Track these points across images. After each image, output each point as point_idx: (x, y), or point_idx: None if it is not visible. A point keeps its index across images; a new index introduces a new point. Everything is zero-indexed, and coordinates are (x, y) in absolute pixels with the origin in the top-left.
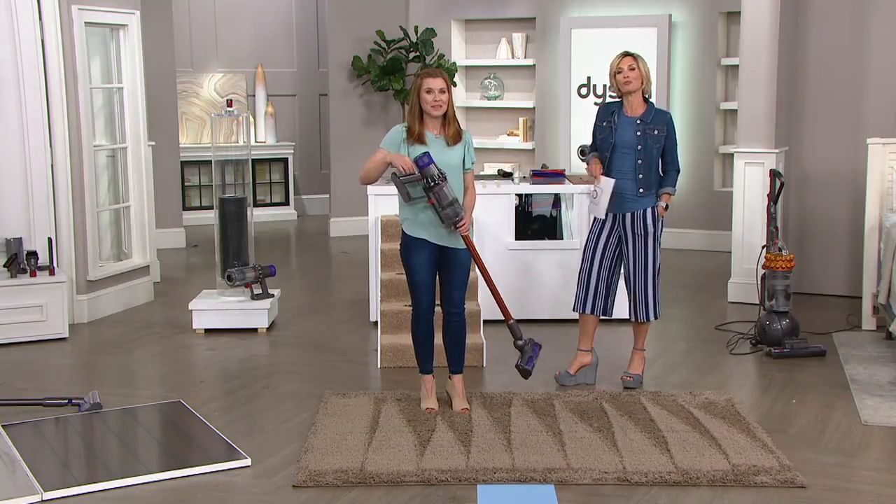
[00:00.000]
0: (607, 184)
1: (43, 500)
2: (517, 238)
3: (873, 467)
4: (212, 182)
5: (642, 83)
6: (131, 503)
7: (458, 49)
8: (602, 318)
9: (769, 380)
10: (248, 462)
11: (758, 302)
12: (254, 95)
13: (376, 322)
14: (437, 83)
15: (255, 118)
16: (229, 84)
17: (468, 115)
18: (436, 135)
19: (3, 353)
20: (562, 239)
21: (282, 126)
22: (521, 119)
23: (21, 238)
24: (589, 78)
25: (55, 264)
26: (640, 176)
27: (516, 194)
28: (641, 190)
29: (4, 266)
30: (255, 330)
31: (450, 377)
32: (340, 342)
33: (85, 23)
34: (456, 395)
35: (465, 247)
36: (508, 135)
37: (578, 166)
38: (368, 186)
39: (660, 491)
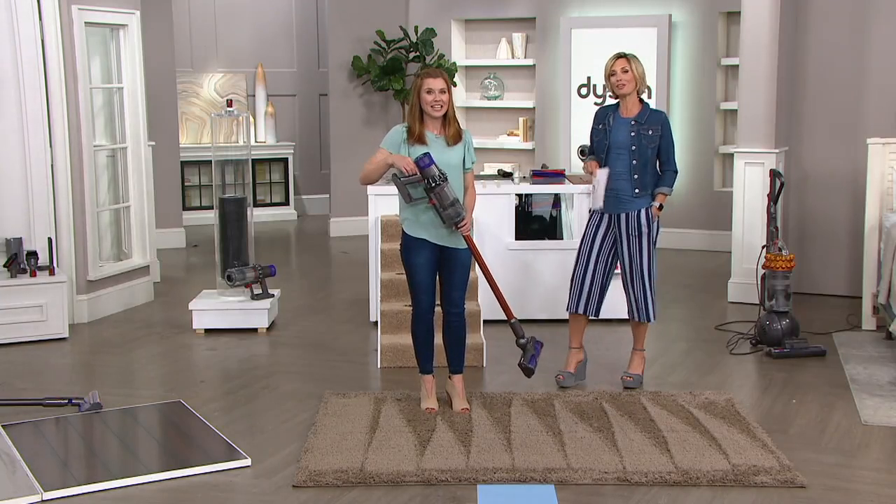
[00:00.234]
0: (602, 174)
1: (43, 500)
2: (517, 238)
3: (873, 467)
4: (212, 182)
5: (636, 85)
6: (131, 503)
7: (458, 49)
8: (591, 318)
9: (769, 380)
10: (248, 462)
11: (758, 302)
12: (254, 95)
13: (376, 322)
14: (437, 83)
15: (255, 118)
16: (229, 84)
17: (468, 115)
18: (436, 135)
19: (3, 353)
20: (562, 239)
21: (282, 126)
22: (521, 119)
23: (21, 238)
24: (589, 78)
25: (55, 264)
26: (636, 176)
27: (516, 194)
28: (637, 190)
29: (4, 266)
30: (255, 330)
31: (450, 377)
32: (340, 342)
33: (85, 23)
34: (456, 395)
35: (465, 247)
36: (508, 135)
37: (578, 166)
38: (368, 186)
39: (660, 491)
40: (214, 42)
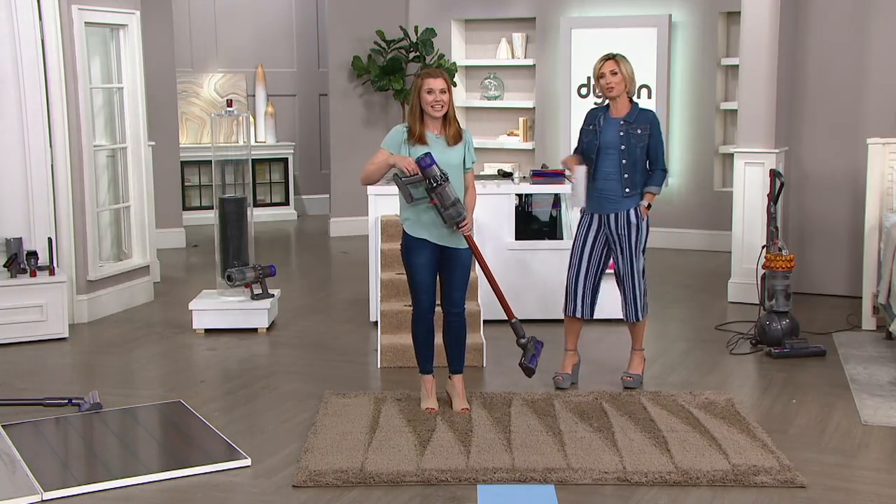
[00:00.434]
0: (580, 172)
1: (43, 500)
2: (517, 238)
3: (873, 467)
4: (212, 182)
5: (626, 86)
6: (131, 503)
7: (458, 49)
8: (586, 319)
9: (769, 380)
10: (248, 462)
11: (758, 302)
12: (254, 95)
13: (376, 322)
14: (437, 83)
15: (255, 118)
16: (229, 84)
17: (468, 115)
18: (436, 135)
19: (3, 353)
20: (562, 239)
21: (282, 126)
22: (521, 119)
23: (21, 238)
24: (589, 78)
25: (55, 264)
26: (626, 176)
27: (516, 194)
28: (627, 190)
29: (4, 266)
30: (255, 330)
31: (450, 377)
32: (340, 342)
33: (85, 23)
34: (456, 395)
35: (466, 247)
36: (508, 135)
37: None
38: (368, 186)
39: (660, 491)
40: (214, 42)
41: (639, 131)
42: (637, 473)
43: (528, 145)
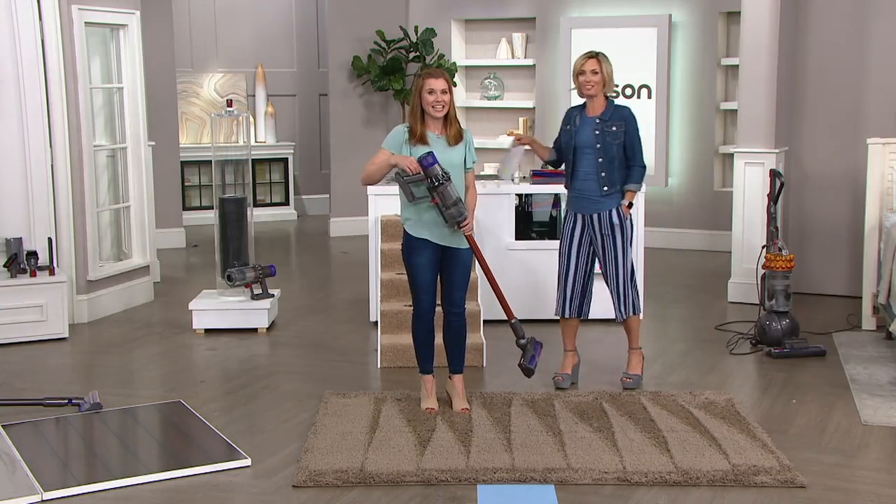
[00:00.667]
0: (516, 150)
1: (43, 500)
2: (517, 238)
3: (873, 467)
4: (212, 182)
5: (604, 86)
6: (131, 503)
7: (458, 49)
8: (581, 318)
9: (769, 380)
10: (248, 462)
11: (758, 302)
12: (254, 95)
13: (376, 322)
14: (438, 84)
15: (255, 118)
16: (229, 84)
17: (468, 115)
18: (437, 135)
19: (3, 353)
20: None
21: (282, 126)
22: (521, 119)
23: (21, 238)
24: None
25: (55, 264)
26: (603, 174)
27: (516, 194)
28: (605, 188)
29: (4, 266)
30: (255, 330)
31: (450, 377)
32: (340, 342)
33: (85, 23)
34: (456, 395)
35: (467, 247)
36: (508, 135)
37: None
38: (369, 186)
39: (660, 491)
40: (214, 42)
41: (614, 128)
42: (637, 473)
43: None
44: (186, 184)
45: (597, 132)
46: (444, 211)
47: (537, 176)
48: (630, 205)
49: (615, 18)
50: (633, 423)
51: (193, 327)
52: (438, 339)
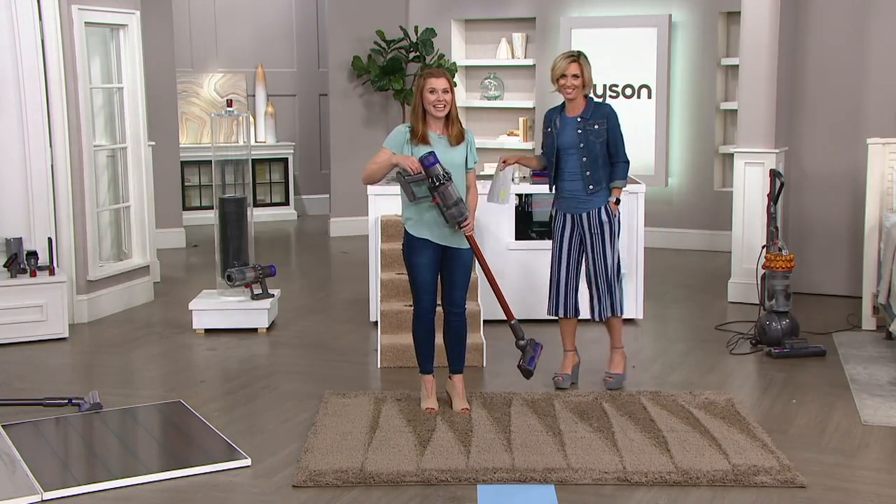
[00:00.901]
0: (507, 173)
1: (43, 500)
2: (517, 238)
3: (873, 467)
4: (212, 182)
5: (584, 88)
6: (131, 503)
7: (458, 49)
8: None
9: (769, 380)
10: (248, 462)
11: (758, 302)
12: (254, 95)
13: (376, 322)
14: (440, 83)
15: (255, 118)
16: (229, 84)
17: (468, 115)
18: (439, 135)
19: (3, 353)
20: None
21: (282, 126)
22: (521, 119)
23: (21, 238)
24: None
25: (55, 264)
26: (588, 173)
27: (516, 194)
28: (591, 187)
29: (4, 266)
30: (255, 330)
31: (450, 377)
32: (340, 342)
33: (85, 23)
34: (456, 395)
35: (467, 247)
36: (508, 135)
37: None
38: (369, 186)
39: (660, 491)
40: (214, 42)
41: (596, 127)
42: (637, 473)
43: (528, 145)
44: (186, 184)
45: (579, 131)
46: (444, 211)
47: (537, 176)
48: (617, 201)
49: (615, 18)
50: (633, 423)
51: (193, 327)
52: (439, 339)
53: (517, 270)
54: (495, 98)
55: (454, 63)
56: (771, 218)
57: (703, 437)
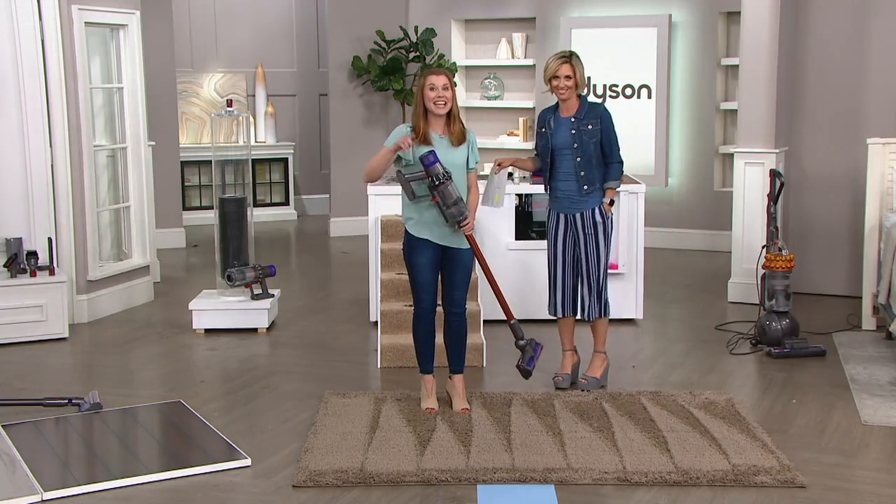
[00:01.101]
0: (502, 177)
1: (43, 500)
2: (517, 238)
3: (873, 467)
4: (212, 182)
5: (577, 89)
6: (131, 503)
7: (458, 49)
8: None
9: (769, 380)
10: (248, 462)
11: (758, 302)
12: (254, 95)
13: (376, 322)
14: (440, 80)
15: (255, 118)
16: (229, 84)
17: (468, 115)
18: (440, 135)
19: (3, 353)
20: None
21: (282, 126)
22: (521, 119)
23: (21, 238)
24: (589, 78)
25: (55, 264)
26: (582, 174)
27: (516, 194)
28: (585, 187)
29: (4, 266)
30: (255, 330)
31: (450, 377)
32: (340, 342)
33: (85, 23)
34: (456, 395)
35: (467, 247)
36: (508, 135)
37: None
38: (369, 186)
39: (660, 491)
40: (214, 42)
41: (589, 127)
42: (637, 473)
43: (528, 145)
44: (186, 184)
45: (573, 132)
46: (444, 210)
47: (537, 176)
48: (611, 202)
49: (615, 18)
50: (633, 423)
51: (193, 327)
52: (439, 338)
53: (517, 270)
54: (495, 98)
55: (454, 63)
56: (771, 218)
57: (703, 437)
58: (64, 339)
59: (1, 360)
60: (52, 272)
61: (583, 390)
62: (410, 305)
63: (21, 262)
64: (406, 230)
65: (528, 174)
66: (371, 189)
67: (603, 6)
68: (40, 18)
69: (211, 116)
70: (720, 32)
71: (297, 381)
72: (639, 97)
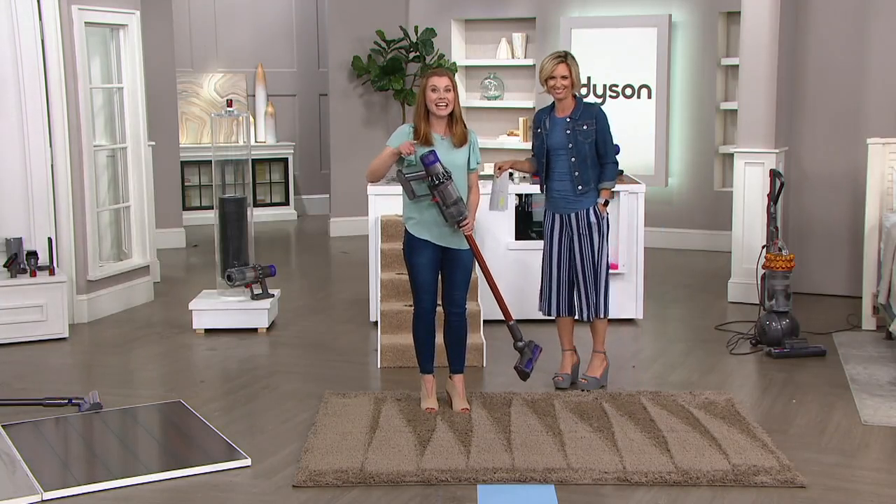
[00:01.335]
0: (503, 180)
1: (43, 500)
2: (517, 238)
3: (873, 467)
4: (212, 182)
5: (573, 88)
6: (131, 503)
7: (458, 49)
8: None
9: (769, 380)
10: (248, 462)
11: (758, 302)
12: (254, 95)
13: (376, 322)
14: (442, 81)
15: (255, 118)
16: (229, 84)
17: (468, 115)
18: (441, 136)
19: (3, 353)
20: None
21: (282, 126)
22: (521, 119)
23: (21, 238)
24: (589, 78)
25: (55, 264)
26: (577, 174)
27: (516, 194)
28: (580, 188)
29: (4, 266)
30: (255, 330)
31: (450, 377)
32: (340, 342)
33: (85, 23)
34: (456, 395)
35: (467, 247)
36: (508, 135)
37: None
38: (369, 186)
39: (660, 491)
40: (214, 42)
41: (584, 127)
42: (637, 473)
43: (528, 145)
44: (186, 184)
45: (568, 132)
46: (444, 210)
47: (537, 176)
48: (606, 202)
49: (615, 18)
50: (633, 423)
51: (193, 327)
52: (439, 338)
53: (517, 270)
54: (495, 98)
55: (454, 63)
56: (771, 218)
57: (703, 437)
58: (64, 339)
59: (1, 360)
60: (52, 272)
61: (583, 390)
62: (410, 305)
63: (21, 262)
64: (406, 230)
65: (527, 174)
66: (371, 189)
67: (603, 6)
68: (40, 18)
69: (211, 116)
70: (720, 32)
71: (297, 381)
72: (639, 97)
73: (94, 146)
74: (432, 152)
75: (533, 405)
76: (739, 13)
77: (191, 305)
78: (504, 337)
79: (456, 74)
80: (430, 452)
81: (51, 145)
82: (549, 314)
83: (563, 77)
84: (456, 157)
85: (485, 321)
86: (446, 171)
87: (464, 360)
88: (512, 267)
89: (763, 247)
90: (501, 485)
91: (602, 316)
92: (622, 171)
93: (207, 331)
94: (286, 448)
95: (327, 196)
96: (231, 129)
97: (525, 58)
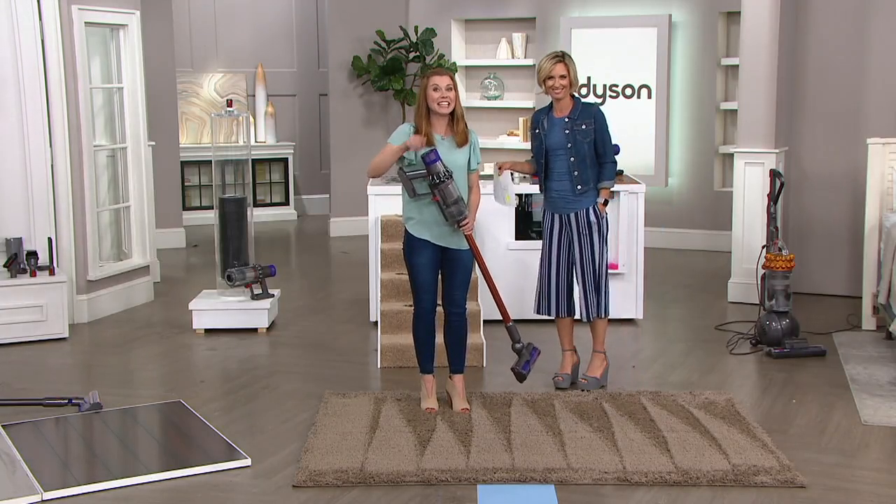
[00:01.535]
0: (505, 177)
1: (43, 500)
2: (517, 238)
3: (873, 467)
4: (212, 182)
5: (571, 88)
6: (131, 503)
7: (458, 49)
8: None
9: (769, 380)
10: (248, 462)
11: (758, 302)
12: (254, 95)
13: (376, 322)
14: (443, 80)
15: (255, 118)
16: (229, 84)
17: (468, 115)
18: (442, 136)
19: (3, 353)
20: None
21: (282, 126)
22: (521, 119)
23: (21, 238)
24: (589, 78)
25: (55, 264)
26: (576, 174)
27: (516, 194)
28: (579, 187)
29: (4, 266)
30: (255, 330)
31: (450, 377)
32: (340, 342)
33: (85, 23)
34: (456, 395)
35: (467, 247)
36: (508, 135)
37: None
38: (369, 186)
39: (660, 491)
40: (214, 42)
41: (583, 127)
42: (637, 473)
43: (528, 145)
44: (186, 184)
45: (566, 132)
46: (444, 209)
47: (537, 177)
48: (605, 202)
49: (615, 18)
50: (633, 423)
51: (193, 327)
52: (439, 338)
53: (517, 270)
54: (495, 98)
55: (454, 63)
56: (771, 218)
57: (703, 437)
58: (64, 339)
59: (1, 360)
60: (52, 272)
61: (583, 390)
62: (410, 305)
63: (21, 262)
64: (406, 230)
65: (527, 175)
66: (371, 189)
67: (603, 6)
68: (40, 18)
69: (211, 116)
70: (720, 32)
71: (297, 381)
72: (639, 97)
73: (94, 146)
74: (433, 151)
75: (533, 405)
76: (739, 13)
77: (191, 305)
78: (504, 337)
79: (456, 74)
80: (430, 452)
81: (51, 145)
82: (549, 314)
83: (562, 77)
84: (456, 157)
85: (485, 321)
86: (447, 171)
87: (464, 360)
88: (512, 267)
89: (763, 247)
90: (501, 485)
91: (602, 316)
92: (622, 171)
93: (207, 331)
94: (286, 448)
95: (327, 196)
96: (231, 129)
97: (525, 58)
